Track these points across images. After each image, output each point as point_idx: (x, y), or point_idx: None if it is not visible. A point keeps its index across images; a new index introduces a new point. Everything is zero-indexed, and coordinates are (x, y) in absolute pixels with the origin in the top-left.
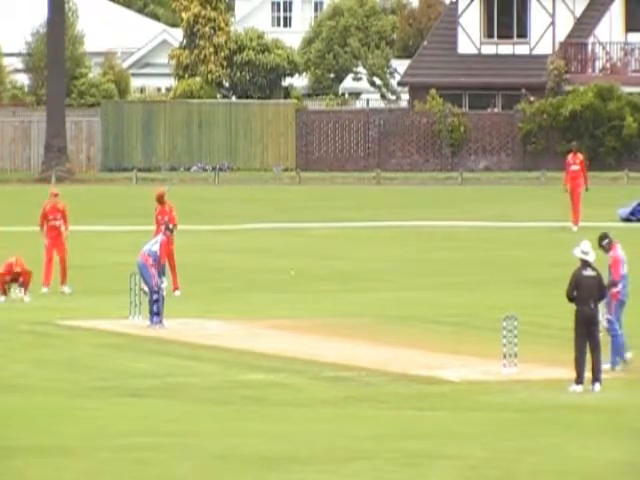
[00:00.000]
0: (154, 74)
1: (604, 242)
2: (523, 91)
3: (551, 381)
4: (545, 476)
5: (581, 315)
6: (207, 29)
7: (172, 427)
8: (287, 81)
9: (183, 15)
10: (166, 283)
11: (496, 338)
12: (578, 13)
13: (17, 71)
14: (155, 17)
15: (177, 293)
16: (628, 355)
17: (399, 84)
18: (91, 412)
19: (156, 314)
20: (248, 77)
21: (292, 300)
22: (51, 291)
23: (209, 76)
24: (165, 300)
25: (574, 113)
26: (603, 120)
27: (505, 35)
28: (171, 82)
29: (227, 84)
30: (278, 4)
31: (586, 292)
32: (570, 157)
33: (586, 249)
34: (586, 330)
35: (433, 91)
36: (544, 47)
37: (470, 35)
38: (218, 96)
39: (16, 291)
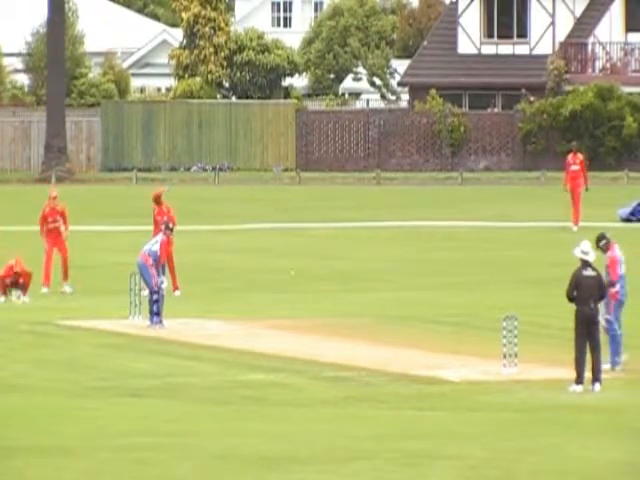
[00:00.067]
0: (154, 74)
1: (601, 243)
2: (523, 91)
3: (551, 381)
4: (545, 476)
5: (581, 315)
6: (207, 29)
7: (172, 427)
8: (287, 81)
9: (183, 15)
10: (166, 283)
11: (496, 338)
12: (578, 13)
13: (17, 71)
14: (155, 17)
15: (177, 293)
16: (624, 357)
17: (399, 84)
18: (91, 412)
19: (156, 314)
20: (248, 77)
21: (292, 300)
22: (51, 291)
23: (209, 76)
24: (165, 300)
25: (574, 113)
26: (603, 120)
27: (505, 35)
28: (171, 82)
29: (227, 84)
30: (278, 4)
31: (586, 292)
32: (570, 157)
33: (586, 249)
34: (586, 330)
35: (433, 91)
36: (544, 47)
37: (470, 35)
38: (218, 96)
39: (17, 294)
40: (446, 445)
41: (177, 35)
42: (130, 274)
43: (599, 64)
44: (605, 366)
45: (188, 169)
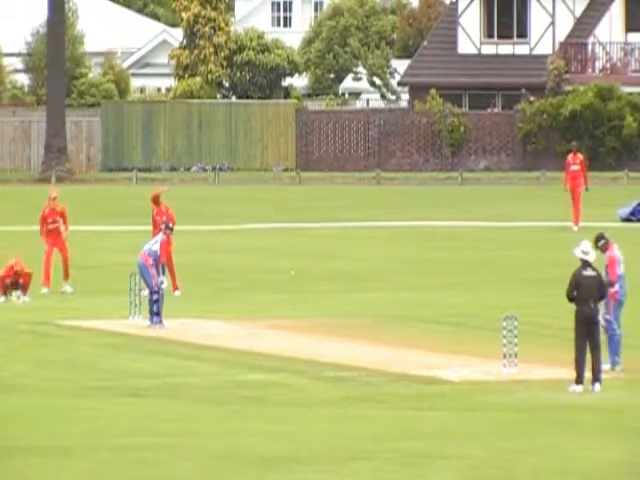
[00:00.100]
0: (154, 74)
1: (600, 243)
2: (523, 91)
3: (551, 381)
4: (545, 476)
5: (581, 315)
6: (207, 29)
7: (172, 427)
8: (287, 81)
9: (183, 15)
10: (166, 283)
11: (496, 338)
12: (578, 13)
13: (17, 71)
14: (155, 17)
15: (177, 293)
16: (607, 365)
17: (399, 84)
18: (91, 412)
19: (156, 314)
20: (248, 77)
21: (292, 300)
22: (51, 291)
23: (209, 76)
24: (165, 300)
25: (574, 113)
26: (603, 120)
27: (505, 35)
28: (171, 82)
29: (227, 84)
30: (278, 4)
31: (586, 292)
32: (570, 157)
33: (586, 249)
34: (586, 330)
35: (433, 91)
36: (544, 47)
37: (470, 35)
38: (218, 96)
39: (17, 294)
40: (446, 445)
41: (177, 35)
42: (130, 274)
43: (599, 64)
44: (605, 366)
45: (188, 169)
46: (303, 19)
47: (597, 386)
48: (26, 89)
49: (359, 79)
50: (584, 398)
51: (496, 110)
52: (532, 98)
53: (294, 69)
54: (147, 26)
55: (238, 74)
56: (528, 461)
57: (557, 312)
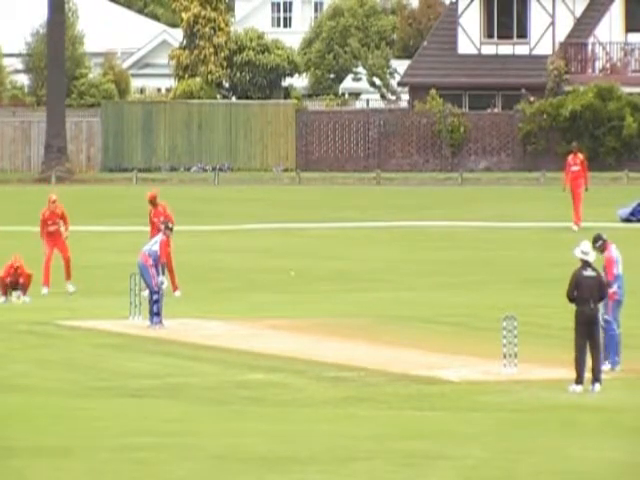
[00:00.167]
0: (154, 74)
1: (598, 243)
2: (523, 91)
3: (551, 381)
4: (545, 476)
5: (581, 315)
6: (207, 29)
7: (172, 427)
8: (287, 81)
9: (183, 15)
10: (166, 283)
11: (496, 338)
12: (578, 13)
13: (17, 71)
14: (155, 17)
15: (177, 293)
16: (608, 365)
17: (399, 84)
18: (91, 412)
19: (156, 314)
20: (248, 77)
21: (292, 300)
22: (51, 291)
23: (209, 76)
24: (164, 300)
25: (574, 113)
26: (603, 120)
27: (505, 35)
28: (171, 82)
29: (227, 84)
30: (278, 4)
31: (586, 292)
32: (570, 158)
33: (586, 249)
34: (586, 330)
35: (433, 91)
36: (544, 47)
37: (470, 35)
38: (218, 96)
39: (17, 294)
40: (446, 445)
41: (177, 35)
42: (130, 274)
43: (599, 64)
44: (605, 366)
45: (188, 169)
46: (303, 19)
47: (597, 386)
48: (26, 89)
49: (359, 79)
50: (584, 398)
51: (496, 110)
52: (532, 98)
53: (294, 69)
54: (147, 26)
55: (238, 74)
56: (528, 461)
57: (557, 312)
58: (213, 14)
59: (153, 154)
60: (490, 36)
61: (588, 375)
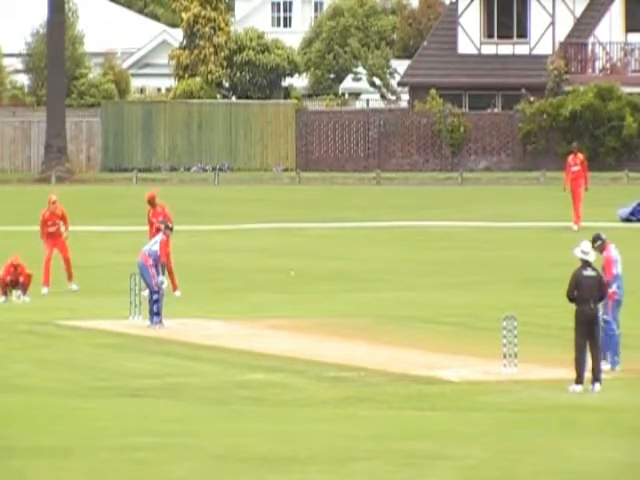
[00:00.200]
0: (154, 74)
1: (597, 244)
2: (523, 91)
3: (551, 381)
4: (545, 476)
5: (581, 315)
6: (207, 29)
7: (172, 427)
8: (287, 81)
9: (183, 15)
10: (166, 283)
11: (496, 338)
12: (578, 13)
13: (17, 71)
14: (155, 17)
15: (177, 293)
16: (607, 365)
17: (399, 84)
18: (91, 412)
19: (156, 314)
20: (248, 77)
21: (292, 300)
22: (51, 291)
23: (209, 76)
24: (164, 300)
25: (574, 113)
26: (603, 120)
27: (505, 35)
28: (171, 82)
29: (227, 84)
30: (278, 4)
31: (586, 292)
32: (570, 158)
33: (586, 249)
34: (586, 330)
35: (433, 91)
36: (544, 47)
37: (470, 35)
38: (218, 96)
39: (17, 294)
40: (446, 445)
41: (177, 35)
42: (130, 274)
43: (599, 64)
44: (605, 366)
45: (188, 169)
46: (303, 19)
47: (597, 386)
48: (26, 89)
49: (359, 79)
50: (584, 398)
51: (496, 110)
52: (532, 98)
53: (294, 69)
54: (147, 26)
55: (238, 74)
56: (528, 461)
57: (557, 312)
58: (213, 14)
59: (153, 154)
60: (490, 36)
61: (588, 375)
